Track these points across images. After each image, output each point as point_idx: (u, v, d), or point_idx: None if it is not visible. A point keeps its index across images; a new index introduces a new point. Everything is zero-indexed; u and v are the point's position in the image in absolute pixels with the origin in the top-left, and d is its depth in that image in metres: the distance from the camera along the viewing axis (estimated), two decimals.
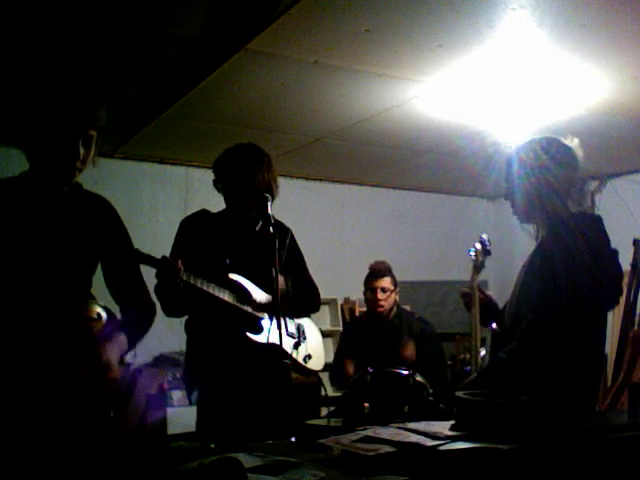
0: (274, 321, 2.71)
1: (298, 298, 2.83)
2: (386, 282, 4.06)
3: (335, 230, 5.98)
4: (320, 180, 5.96)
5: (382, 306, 4.04)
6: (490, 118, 4.17)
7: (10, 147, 3.49)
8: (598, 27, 2.99)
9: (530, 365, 2.11)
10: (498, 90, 3.76)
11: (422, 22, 2.94)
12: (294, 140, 4.78)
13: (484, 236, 2.64)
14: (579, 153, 2.38)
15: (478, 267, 2.59)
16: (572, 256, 2.09)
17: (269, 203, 2.57)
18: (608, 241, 2.25)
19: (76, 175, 2.03)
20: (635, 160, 5.33)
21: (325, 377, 4.89)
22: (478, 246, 2.62)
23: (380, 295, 4.04)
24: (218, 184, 2.79)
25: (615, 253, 2.26)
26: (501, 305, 2.52)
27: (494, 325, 2.42)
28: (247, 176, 2.69)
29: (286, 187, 5.41)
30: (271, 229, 2.49)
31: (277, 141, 4.76)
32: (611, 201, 5.77)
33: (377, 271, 4.11)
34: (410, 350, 3.94)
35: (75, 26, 2.95)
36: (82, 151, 1.97)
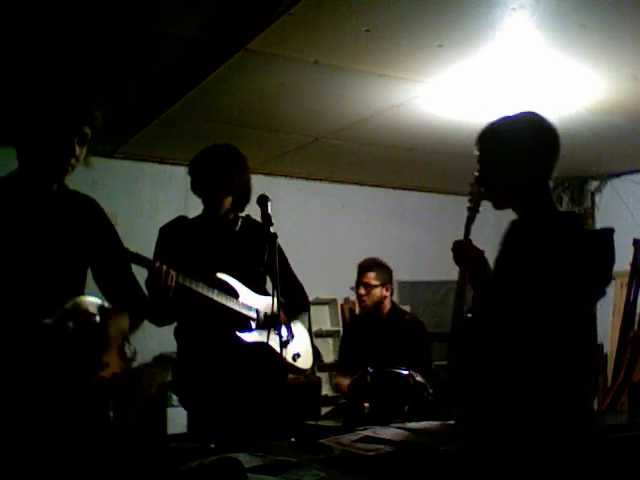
0: (263, 320, 2.72)
1: (290, 301, 2.83)
2: (369, 277, 4.02)
3: (335, 230, 5.98)
4: (320, 180, 5.95)
5: (364, 301, 4.03)
6: (491, 118, 4.16)
7: (5, 147, 3.48)
8: (598, 27, 2.98)
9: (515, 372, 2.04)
10: (498, 90, 3.76)
11: (422, 22, 2.93)
12: (294, 140, 4.78)
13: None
14: (555, 134, 2.15)
15: (473, 211, 2.31)
16: (555, 254, 2.03)
17: (269, 203, 2.57)
18: (586, 238, 2.14)
19: (69, 172, 2.03)
20: (635, 160, 5.32)
21: (324, 377, 4.91)
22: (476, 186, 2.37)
23: (362, 291, 4.03)
24: (196, 187, 2.79)
25: (598, 247, 2.15)
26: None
27: (469, 315, 2.31)
28: (225, 176, 2.70)
29: (286, 187, 5.44)
30: (271, 230, 2.49)
31: (277, 141, 4.76)
32: (611, 201, 5.77)
33: (361, 267, 4.08)
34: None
35: (75, 26, 2.95)
36: (77, 148, 1.96)
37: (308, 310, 3.08)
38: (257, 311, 2.75)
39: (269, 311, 2.68)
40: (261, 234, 2.53)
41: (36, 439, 1.88)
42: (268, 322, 2.70)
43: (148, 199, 5.23)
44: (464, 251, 2.25)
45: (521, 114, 2.20)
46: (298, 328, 2.96)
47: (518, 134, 2.14)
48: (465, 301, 2.24)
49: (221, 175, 2.71)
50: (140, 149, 4.97)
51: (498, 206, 2.23)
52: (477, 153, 2.19)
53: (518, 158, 2.11)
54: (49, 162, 1.97)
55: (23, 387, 1.88)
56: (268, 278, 2.76)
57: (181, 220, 2.85)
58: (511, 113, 2.22)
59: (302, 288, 2.99)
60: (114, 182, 5.04)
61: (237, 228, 2.83)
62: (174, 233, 2.79)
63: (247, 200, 2.78)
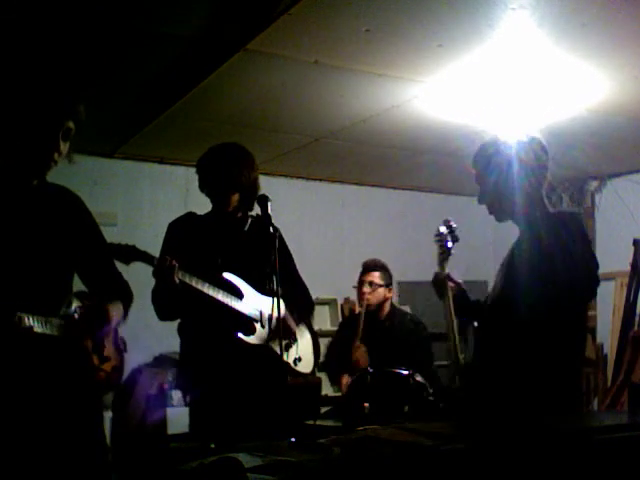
0: (267, 322, 2.72)
1: (295, 303, 2.83)
2: (374, 277, 4.05)
3: (335, 230, 5.98)
4: (320, 180, 5.95)
5: (367, 300, 4.04)
6: (490, 118, 4.17)
7: None
8: (598, 27, 2.98)
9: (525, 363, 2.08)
10: (498, 90, 3.76)
11: (422, 22, 2.93)
12: (294, 140, 4.78)
13: (449, 220, 2.55)
14: (546, 151, 2.33)
15: (445, 255, 2.47)
16: (570, 254, 2.07)
17: (269, 203, 2.57)
18: (584, 237, 2.21)
19: (52, 167, 2.01)
20: (635, 160, 5.32)
21: (324, 377, 4.90)
22: (443, 229, 2.53)
23: (366, 289, 4.03)
24: (204, 185, 2.79)
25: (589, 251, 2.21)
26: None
27: (475, 324, 2.39)
28: (232, 172, 2.70)
29: (286, 187, 5.43)
30: (271, 229, 2.49)
31: (277, 141, 4.76)
32: (611, 201, 5.77)
33: (366, 265, 4.12)
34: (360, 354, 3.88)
35: (74, 25, 2.95)
36: (62, 143, 1.94)
37: (312, 311, 3.07)
38: (261, 312, 2.75)
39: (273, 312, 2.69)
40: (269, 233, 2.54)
41: (39, 437, 1.88)
42: (271, 324, 2.70)
43: (148, 199, 5.23)
44: (445, 285, 2.40)
45: (514, 134, 2.37)
46: (301, 331, 2.95)
47: (511, 152, 2.25)
48: (455, 329, 2.33)
49: (228, 171, 2.71)
50: (140, 149, 4.97)
51: (499, 219, 2.36)
52: (474, 172, 2.33)
53: (513, 174, 2.22)
54: (33, 157, 1.95)
55: (30, 384, 1.88)
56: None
57: (190, 216, 2.85)
58: (507, 134, 2.41)
59: (306, 289, 2.98)
60: (114, 182, 5.04)
61: (246, 227, 2.82)
62: (183, 228, 2.78)
63: (255, 197, 2.77)
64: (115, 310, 2.07)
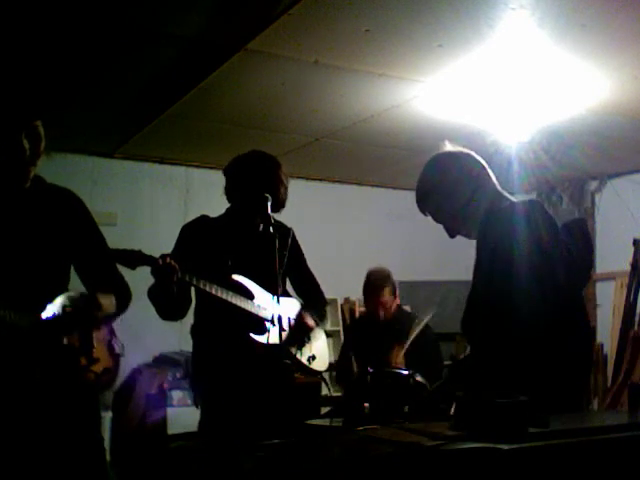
0: (278, 322, 2.72)
1: (308, 302, 2.84)
2: (385, 294, 4.00)
3: (335, 230, 5.98)
4: (320, 180, 5.96)
5: (380, 316, 4.04)
6: (490, 118, 4.17)
7: None
8: (598, 27, 2.99)
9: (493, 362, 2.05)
10: (498, 90, 3.76)
11: (422, 22, 2.94)
12: (294, 140, 4.78)
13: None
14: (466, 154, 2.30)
15: None
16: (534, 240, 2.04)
17: (268, 203, 2.56)
18: (550, 224, 2.16)
19: (30, 169, 1.99)
20: (635, 160, 5.32)
21: (327, 377, 4.90)
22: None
23: (381, 310, 4.03)
24: (232, 190, 2.75)
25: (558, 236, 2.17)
26: None
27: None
28: (273, 191, 2.67)
29: None
30: (271, 229, 2.48)
31: (277, 141, 4.76)
32: (611, 201, 5.77)
33: (375, 285, 4.04)
34: (398, 357, 3.86)
35: (74, 26, 2.95)
36: (27, 145, 1.92)
37: (325, 309, 3.06)
38: (272, 312, 2.74)
39: (284, 312, 2.70)
40: (283, 234, 2.53)
41: (30, 437, 1.88)
42: (282, 323, 2.70)
43: (148, 199, 5.23)
44: None
45: (432, 160, 2.27)
46: (315, 330, 2.95)
47: (438, 179, 2.21)
48: None
49: (271, 189, 2.67)
50: (140, 149, 4.98)
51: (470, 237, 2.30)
52: (428, 216, 2.30)
53: (451, 199, 2.20)
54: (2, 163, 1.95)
55: (16, 384, 1.88)
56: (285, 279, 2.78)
57: (204, 219, 2.82)
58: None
59: (319, 287, 2.97)
60: (114, 182, 5.04)
61: (260, 229, 2.82)
62: (197, 231, 2.75)
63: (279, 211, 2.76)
64: (106, 300, 2.06)
